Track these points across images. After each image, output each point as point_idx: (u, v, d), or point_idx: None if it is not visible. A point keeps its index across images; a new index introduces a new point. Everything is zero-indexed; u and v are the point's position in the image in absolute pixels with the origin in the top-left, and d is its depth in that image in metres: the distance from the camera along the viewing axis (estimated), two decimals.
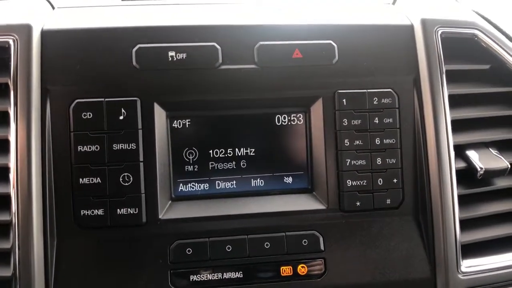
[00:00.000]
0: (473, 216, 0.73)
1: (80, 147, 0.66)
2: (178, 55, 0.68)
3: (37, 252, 0.64)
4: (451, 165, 0.71)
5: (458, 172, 0.72)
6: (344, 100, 0.71)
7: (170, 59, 0.68)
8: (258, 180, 0.73)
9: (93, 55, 0.67)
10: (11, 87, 0.65)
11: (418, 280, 0.71)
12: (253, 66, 0.70)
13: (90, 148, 0.66)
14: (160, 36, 0.68)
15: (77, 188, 0.66)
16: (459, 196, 0.72)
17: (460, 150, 0.74)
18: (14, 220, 0.63)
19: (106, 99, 0.66)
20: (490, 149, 0.76)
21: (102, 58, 0.67)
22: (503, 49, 0.76)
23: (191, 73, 0.68)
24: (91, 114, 0.66)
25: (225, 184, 0.72)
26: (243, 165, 0.72)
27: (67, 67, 0.67)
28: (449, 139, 0.72)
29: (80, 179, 0.66)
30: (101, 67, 0.67)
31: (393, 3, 0.83)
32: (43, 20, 0.69)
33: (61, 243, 0.66)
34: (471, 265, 0.72)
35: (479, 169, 0.72)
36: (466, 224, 0.73)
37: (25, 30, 0.66)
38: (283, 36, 0.70)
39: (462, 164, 0.74)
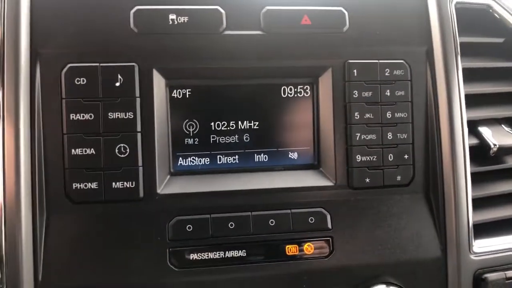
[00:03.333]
0: (486, 194, 0.71)
1: (72, 115, 0.61)
2: (180, 19, 0.63)
3: (25, 228, 0.59)
4: (465, 141, 0.68)
5: (470, 149, 0.69)
6: (355, 70, 0.67)
7: (170, 22, 0.63)
8: (262, 155, 0.69)
9: (88, 16, 0.62)
10: None
11: (428, 260, 0.68)
12: (259, 32, 0.65)
13: (83, 116, 0.61)
14: None
15: (69, 159, 0.61)
16: (471, 174, 0.69)
17: (472, 126, 0.71)
18: (0, 193, 0.58)
19: (101, 64, 0.62)
20: (503, 125, 0.73)
21: (98, 19, 0.62)
22: None
23: (193, 38, 0.64)
24: (84, 80, 0.61)
25: (227, 159, 0.68)
26: (246, 139, 0.68)
27: (60, 28, 0.62)
28: (462, 114, 0.69)
29: (73, 150, 0.61)
30: (96, 30, 0.62)
31: None
32: None
33: (51, 219, 0.61)
34: (483, 245, 0.69)
35: (492, 146, 0.70)
36: (478, 203, 0.70)
37: None
38: (291, 1, 0.66)
39: (474, 141, 0.71)
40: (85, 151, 0.61)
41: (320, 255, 0.66)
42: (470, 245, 0.68)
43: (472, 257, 0.68)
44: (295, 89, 0.69)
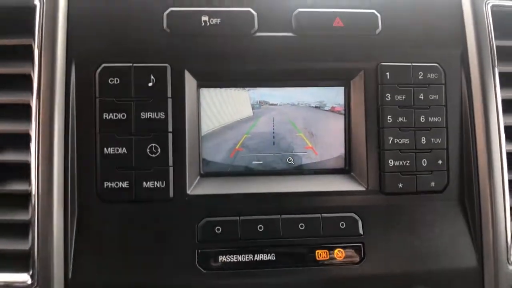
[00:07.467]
0: None
1: (105, 115, 0.62)
2: (212, 20, 0.64)
3: (57, 226, 0.60)
4: (502, 147, 0.66)
5: (508, 155, 0.67)
6: (388, 73, 0.66)
7: (203, 24, 0.64)
8: (292, 158, 0.68)
9: (122, 18, 0.63)
10: (35, 49, 0.61)
11: (464, 270, 0.66)
12: (290, 34, 0.65)
13: (116, 116, 0.62)
14: None
15: (101, 158, 0.62)
16: (509, 182, 0.66)
17: (510, 132, 0.69)
18: (34, 190, 0.59)
19: (135, 64, 0.62)
20: None
21: (131, 21, 0.63)
22: None
23: (224, 40, 0.64)
24: (118, 80, 0.62)
25: (257, 162, 0.68)
26: (277, 141, 0.68)
27: (94, 29, 0.63)
28: (499, 119, 0.66)
29: (105, 149, 0.62)
30: (130, 31, 0.63)
31: None
32: None
33: (82, 217, 0.62)
34: None
35: None
36: None
37: None
38: (324, 4, 0.66)
39: None
40: (117, 150, 0.62)
41: (350, 261, 0.64)
42: (508, 256, 0.65)
43: (511, 267, 0.65)
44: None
